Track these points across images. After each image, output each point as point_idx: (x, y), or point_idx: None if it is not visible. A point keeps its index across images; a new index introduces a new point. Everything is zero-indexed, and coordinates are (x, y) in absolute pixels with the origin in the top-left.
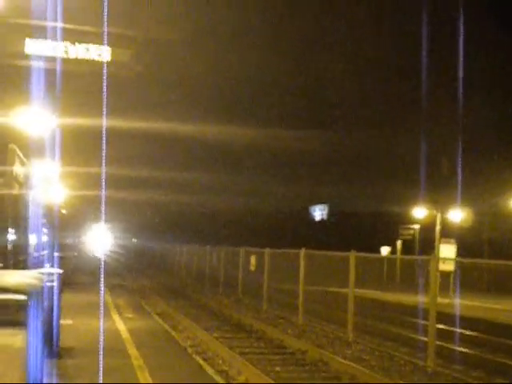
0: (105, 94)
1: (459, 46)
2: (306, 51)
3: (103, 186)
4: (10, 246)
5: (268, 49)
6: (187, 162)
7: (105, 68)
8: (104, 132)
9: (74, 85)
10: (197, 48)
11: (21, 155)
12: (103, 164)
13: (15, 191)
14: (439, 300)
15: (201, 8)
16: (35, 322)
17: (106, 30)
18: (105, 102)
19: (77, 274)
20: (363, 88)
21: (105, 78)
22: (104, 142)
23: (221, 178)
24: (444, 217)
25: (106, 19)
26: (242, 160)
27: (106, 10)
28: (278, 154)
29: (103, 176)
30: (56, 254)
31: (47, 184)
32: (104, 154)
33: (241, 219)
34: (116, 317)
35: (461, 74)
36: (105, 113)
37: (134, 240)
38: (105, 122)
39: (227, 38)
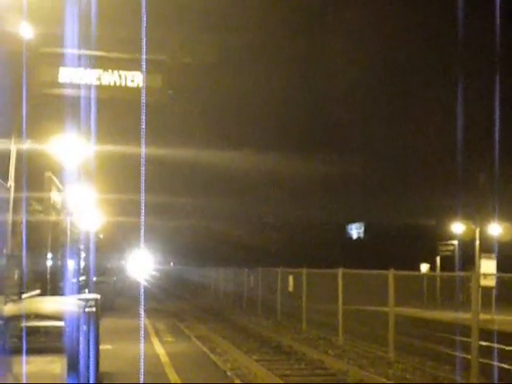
0: (143, 119)
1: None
2: (340, 75)
3: (142, 212)
4: (48, 273)
5: (299, 71)
6: (220, 187)
7: (143, 94)
8: (143, 159)
9: (107, 112)
10: (228, 72)
11: (57, 182)
12: (142, 190)
13: (53, 218)
14: (481, 316)
15: (231, 32)
16: (73, 348)
17: (144, 56)
18: (143, 129)
19: (115, 299)
20: (395, 104)
21: (143, 102)
22: (143, 168)
23: (257, 198)
24: (482, 231)
25: (144, 46)
26: (278, 180)
27: (144, 37)
28: (312, 174)
29: (142, 202)
30: (94, 279)
31: (84, 210)
32: (143, 181)
33: (277, 240)
34: (155, 341)
35: (497, 86)
36: (143, 139)
37: (172, 263)
38: (144, 149)
39: (261, 60)
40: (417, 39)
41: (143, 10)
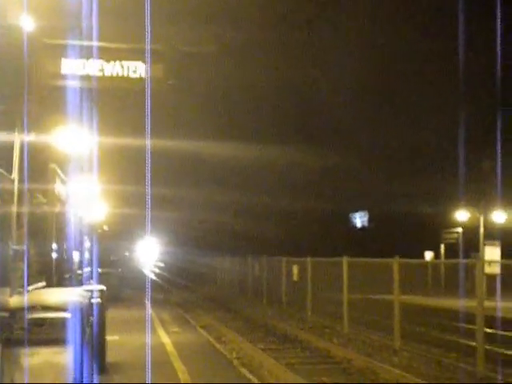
0: (148, 110)
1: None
2: (348, 63)
3: (148, 203)
4: (53, 264)
5: (301, 60)
6: (222, 177)
7: (148, 84)
8: (148, 150)
9: (110, 103)
10: (229, 61)
11: (61, 174)
12: (148, 181)
13: (57, 209)
14: (486, 303)
15: (234, 22)
16: (79, 339)
17: (148, 46)
18: (149, 119)
19: (121, 290)
20: (398, 92)
21: (148, 93)
22: (148, 159)
23: (257, 193)
24: (487, 218)
25: (148, 36)
26: (281, 170)
27: (148, 27)
28: (315, 162)
29: (148, 193)
30: (99, 271)
31: (88, 202)
32: (149, 172)
33: (281, 229)
34: (161, 331)
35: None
36: (148, 130)
37: (175, 254)
38: (149, 140)
39: (262, 51)
40: (418, 28)
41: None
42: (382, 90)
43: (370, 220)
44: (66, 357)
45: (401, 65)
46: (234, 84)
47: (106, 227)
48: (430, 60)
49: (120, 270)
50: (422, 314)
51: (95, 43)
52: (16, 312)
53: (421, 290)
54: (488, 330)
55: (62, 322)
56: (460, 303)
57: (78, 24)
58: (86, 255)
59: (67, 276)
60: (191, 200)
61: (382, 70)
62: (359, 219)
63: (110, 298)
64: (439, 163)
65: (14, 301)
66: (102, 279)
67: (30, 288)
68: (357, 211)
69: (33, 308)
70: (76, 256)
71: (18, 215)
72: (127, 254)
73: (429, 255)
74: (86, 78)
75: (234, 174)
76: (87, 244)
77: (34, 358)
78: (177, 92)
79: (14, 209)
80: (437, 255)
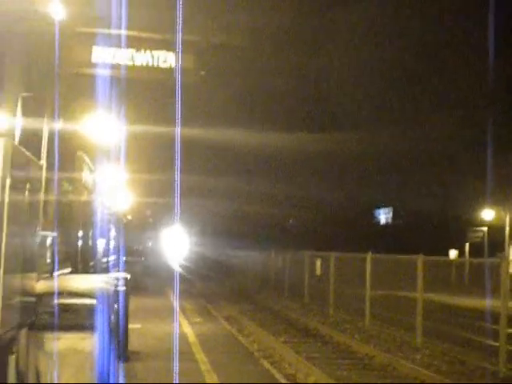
0: (178, 101)
1: None
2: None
3: (176, 193)
4: (79, 252)
5: (333, 53)
6: (251, 170)
7: (178, 74)
8: (178, 139)
9: (140, 92)
10: (262, 54)
11: (88, 162)
12: (177, 170)
13: (84, 197)
14: (510, 303)
15: (265, 14)
16: (104, 326)
17: (179, 37)
18: (179, 110)
19: (144, 279)
20: (425, 89)
21: (179, 84)
22: (178, 148)
23: (284, 184)
24: None
25: (179, 27)
26: (304, 165)
27: (180, 18)
28: (339, 157)
29: (177, 183)
30: (123, 259)
31: (115, 190)
32: (178, 161)
33: (306, 224)
34: (183, 321)
35: None
36: (179, 119)
37: (201, 244)
38: (179, 129)
39: (294, 43)
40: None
41: None
42: (410, 85)
43: (394, 217)
44: (90, 343)
45: (431, 58)
46: (265, 74)
47: (129, 217)
48: (458, 57)
49: (143, 258)
50: (446, 313)
51: (125, 32)
52: (42, 297)
53: (444, 288)
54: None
55: (88, 309)
56: (484, 302)
57: (108, 13)
58: (111, 243)
59: (92, 263)
60: (218, 189)
61: (414, 61)
62: (383, 215)
63: (133, 287)
64: (466, 162)
65: (41, 286)
66: (125, 267)
67: (56, 274)
68: (381, 207)
69: (59, 294)
70: (101, 244)
71: (46, 202)
72: (150, 243)
73: (453, 254)
74: (116, 66)
75: (262, 163)
76: (112, 232)
77: (59, 342)
78: (208, 82)
79: (42, 195)
80: (461, 254)
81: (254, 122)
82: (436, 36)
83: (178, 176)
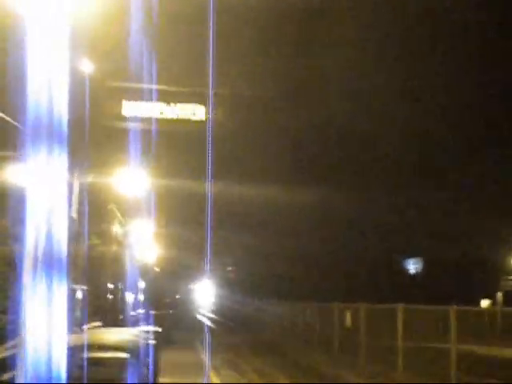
0: (210, 154)
1: None
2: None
3: (208, 248)
4: (108, 305)
5: (359, 105)
6: (275, 222)
7: (209, 125)
8: (209, 194)
9: (170, 145)
10: (289, 103)
11: (119, 215)
12: (208, 226)
13: (113, 250)
14: None
15: (290, 64)
16: (137, 380)
17: (211, 91)
18: (210, 165)
19: (173, 332)
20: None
21: (210, 137)
22: (209, 203)
23: (314, 235)
24: None
25: (211, 81)
26: (337, 215)
27: (211, 73)
28: (369, 210)
29: (208, 239)
30: (152, 312)
31: (144, 244)
32: (209, 218)
33: (332, 274)
34: (213, 375)
35: None
36: (210, 172)
37: (229, 297)
38: (210, 184)
39: (321, 92)
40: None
41: (211, 47)
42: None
43: (424, 266)
44: None
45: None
46: (292, 126)
47: (157, 269)
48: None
49: (171, 311)
50: (479, 364)
51: (155, 86)
52: (74, 350)
53: (477, 339)
54: None
55: (119, 363)
56: None
57: (139, 67)
58: (140, 296)
59: (122, 317)
60: (245, 245)
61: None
62: (412, 265)
63: (163, 340)
64: (498, 208)
65: (72, 339)
66: (154, 320)
67: (86, 327)
68: (410, 257)
69: (90, 347)
70: (130, 297)
71: (76, 255)
72: (178, 296)
73: (485, 303)
74: (146, 120)
75: (283, 219)
76: (141, 285)
77: None
78: (237, 135)
79: (73, 248)
80: (494, 303)
81: (282, 175)
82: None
83: (208, 231)
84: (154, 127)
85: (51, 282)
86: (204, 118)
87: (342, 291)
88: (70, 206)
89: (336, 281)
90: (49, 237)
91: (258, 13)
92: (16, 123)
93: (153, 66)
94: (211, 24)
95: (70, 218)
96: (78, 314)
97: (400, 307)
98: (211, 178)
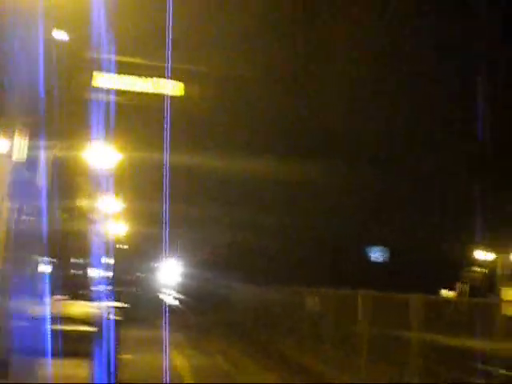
0: (167, 128)
1: None
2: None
3: (166, 223)
4: (73, 278)
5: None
6: (245, 200)
7: (167, 101)
8: (166, 164)
9: (141, 119)
10: (267, 85)
11: (86, 190)
12: (166, 198)
13: (80, 226)
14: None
15: (272, 45)
16: (101, 354)
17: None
18: (167, 138)
19: (136, 310)
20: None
21: (168, 111)
22: (167, 174)
23: (279, 215)
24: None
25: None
26: (317, 194)
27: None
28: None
29: (166, 213)
30: (116, 289)
31: (110, 219)
32: (167, 188)
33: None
34: (175, 353)
35: None
36: (167, 148)
37: (194, 275)
38: (167, 155)
39: (298, 76)
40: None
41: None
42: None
43: (385, 255)
44: (86, 371)
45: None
46: (271, 106)
47: (124, 246)
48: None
49: (135, 289)
50: (437, 353)
51: (128, 59)
52: (39, 322)
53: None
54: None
55: (85, 335)
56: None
57: (113, 39)
58: (105, 273)
59: (86, 292)
60: (212, 219)
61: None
62: (377, 254)
63: (126, 317)
64: (456, 199)
65: (37, 311)
66: (118, 297)
67: (52, 300)
68: (372, 246)
69: (57, 319)
70: (95, 273)
71: (45, 228)
72: (140, 274)
73: (445, 293)
74: (116, 92)
75: (257, 191)
76: (106, 261)
77: (54, 369)
78: (211, 112)
79: (41, 222)
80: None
81: (253, 149)
82: None
83: (166, 203)
84: (123, 99)
85: (19, 254)
86: (179, 94)
87: (307, 277)
88: (38, 178)
89: (303, 263)
90: (17, 210)
91: None
92: None
93: (129, 39)
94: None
95: (38, 191)
96: (44, 286)
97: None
98: (170, 150)
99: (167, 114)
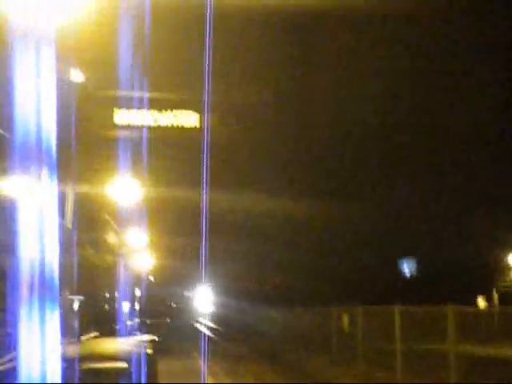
0: (206, 162)
1: None
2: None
3: (204, 256)
4: (104, 314)
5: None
6: (275, 235)
7: (207, 133)
8: (205, 201)
9: (163, 153)
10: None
11: (113, 225)
12: (204, 234)
13: (108, 259)
14: None
15: (283, 72)
16: None
17: (207, 98)
18: (205, 171)
19: (170, 341)
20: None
21: (206, 142)
22: (205, 210)
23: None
24: None
25: (207, 88)
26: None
27: (207, 80)
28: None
29: (203, 246)
30: (148, 322)
31: (139, 253)
32: (204, 224)
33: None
34: (211, 382)
35: None
36: (205, 184)
37: (227, 306)
38: (205, 193)
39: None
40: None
41: (207, 56)
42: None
43: (418, 267)
44: None
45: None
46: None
47: (152, 278)
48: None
49: (168, 320)
50: (478, 364)
51: (147, 94)
52: (71, 362)
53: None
54: None
55: (118, 372)
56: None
57: (130, 76)
58: (136, 306)
59: (118, 326)
60: (245, 253)
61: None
62: (407, 267)
63: (159, 349)
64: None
65: (69, 351)
66: (150, 329)
67: (83, 338)
68: (404, 258)
69: (88, 357)
70: (126, 306)
71: (72, 265)
72: (175, 304)
73: (482, 302)
74: (139, 128)
75: (282, 228)
76: (137, 294)
77: None
78: (233, 141)
79: (68, 258)
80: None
81: (283, 184)
82: None
83: (204, 237)
84: (146, 135)
85: (46, 293)
86: (198, 126)
87: (339, 296)
88: (63, 216)
89: (333, 287)
90: (42, 248)
91: (255, 21)
92: (5, 134)
93: (144, 75)
94: (208, 32)
95: (64, 228)
96: (74, 324)
97: (396, 309)
98: (206, 185)
99: (206, 147)
